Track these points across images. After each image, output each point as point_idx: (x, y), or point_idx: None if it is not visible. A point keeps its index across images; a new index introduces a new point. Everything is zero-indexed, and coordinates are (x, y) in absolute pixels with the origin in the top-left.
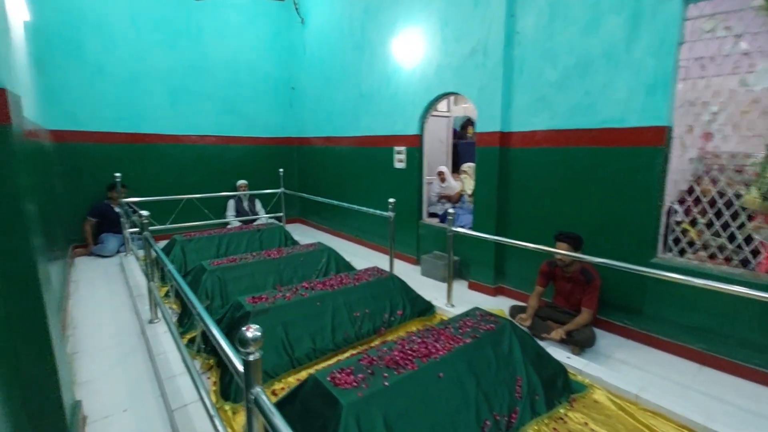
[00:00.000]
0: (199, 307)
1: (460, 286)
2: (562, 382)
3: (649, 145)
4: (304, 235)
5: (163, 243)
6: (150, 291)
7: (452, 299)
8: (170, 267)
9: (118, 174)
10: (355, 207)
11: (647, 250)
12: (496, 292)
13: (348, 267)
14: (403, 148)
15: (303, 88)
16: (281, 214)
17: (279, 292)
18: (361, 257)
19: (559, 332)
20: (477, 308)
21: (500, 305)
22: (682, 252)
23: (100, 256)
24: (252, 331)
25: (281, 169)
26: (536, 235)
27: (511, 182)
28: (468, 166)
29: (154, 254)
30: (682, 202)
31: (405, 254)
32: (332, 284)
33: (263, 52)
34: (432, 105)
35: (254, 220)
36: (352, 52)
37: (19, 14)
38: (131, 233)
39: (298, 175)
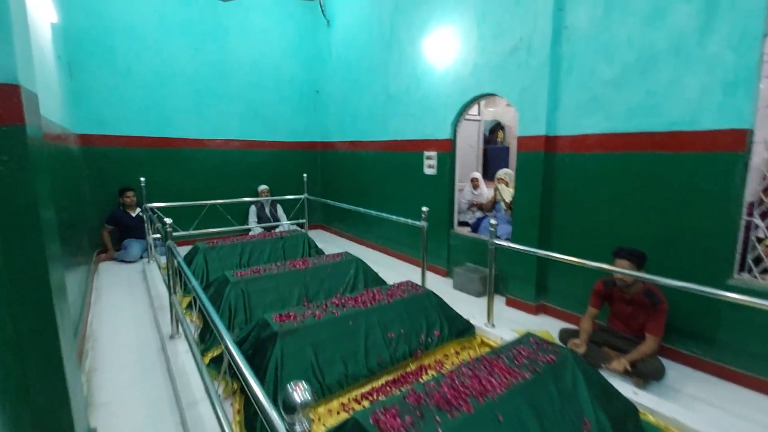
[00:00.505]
0: (228, 339)
1: (497, 303)
2: (634, 424)
3: (726, 150)
4: (327, 242)
5: (185, 249)
6: (171, 305)
7: (492, 318)
8: (195, 285)
9: (142, 179)
10: (384, 215)
11: (722, 270)
12: (537, 310)
13: (377, 280)
14: (433, 153)
15: (327, 91)
16: (304, 220)
17: (308, 309)
18: (388, 268)
19: (622, 362)
20: (530, 334)
21: (543, 325)
22: (766, 272)
23: (123, 262)
24: (300, 393)
25: (305, 175)
26: (584, 250)
27: (556, 190)
28: (504, 173)
29: (176, 264)
30: (765, 216)
31: (434, 265)
32: (364, 301)
33: (288, 55)
34: (466, 107)
35: (276, 226)
36: (380, 53)
37: (44, 15)
38: (154, 239)
39: (321, 181)
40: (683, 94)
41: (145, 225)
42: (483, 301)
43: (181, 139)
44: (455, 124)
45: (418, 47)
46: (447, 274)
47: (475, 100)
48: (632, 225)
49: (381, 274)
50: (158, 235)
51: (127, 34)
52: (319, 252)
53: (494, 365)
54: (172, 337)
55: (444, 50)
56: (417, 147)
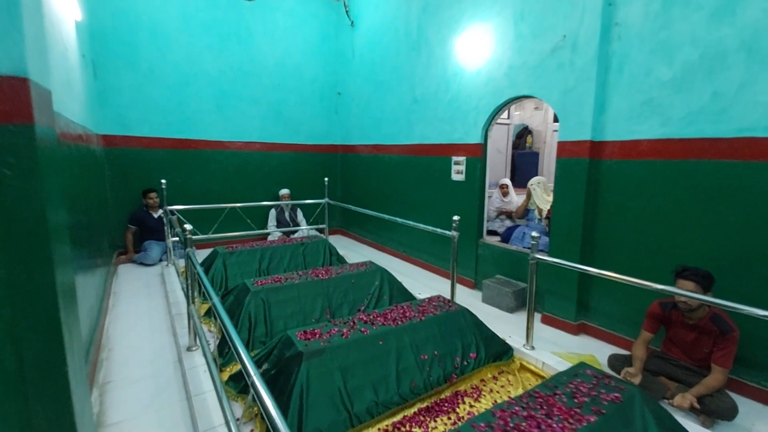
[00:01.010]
0: (249, 363)
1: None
2: None
3: None
4: (347, 248)
5: (203, 252)
6: (189, 315)
7: (531, 339)
8: (215, 300)
9: (163, 180)
10: (412, 223)
11: None
12: (578, 330)
13: (403, 292)
14: (462, 159)
15: (350, 94)
16: (324, 225)
17: (334, 326)
18: (412, 278)
19: (687, 398)
20: (584, 365)
21: (586, 347)
22: None
23: (143, 264)
24: None
25: (326, 179)
26: (631, 267)
27: (601, 200)
28: (538, 181)
29: (195, 273)
30: None
31: (461, 276)
32: (395, 318)
33: (311, 56)
34: (499, 111)
35: (295, 231)
36: (407, 54)
37: (69, 12)
38: (173, 242)
39: (342, 185)
40: (757, 97)
41: (165, 228)
42: (516, 318)
43: (202, 140)
44: (487, 129)
45: (447, 48)
46: (475, 286)
47: (509, 102)
48: (691, 242)
49: (406, 285)
50: (177, 239)
51: (151, 34)
52: (341, 259)
53: (552, 404)
54: (189, 348)
55: (476, 51)
56: (444, 152)
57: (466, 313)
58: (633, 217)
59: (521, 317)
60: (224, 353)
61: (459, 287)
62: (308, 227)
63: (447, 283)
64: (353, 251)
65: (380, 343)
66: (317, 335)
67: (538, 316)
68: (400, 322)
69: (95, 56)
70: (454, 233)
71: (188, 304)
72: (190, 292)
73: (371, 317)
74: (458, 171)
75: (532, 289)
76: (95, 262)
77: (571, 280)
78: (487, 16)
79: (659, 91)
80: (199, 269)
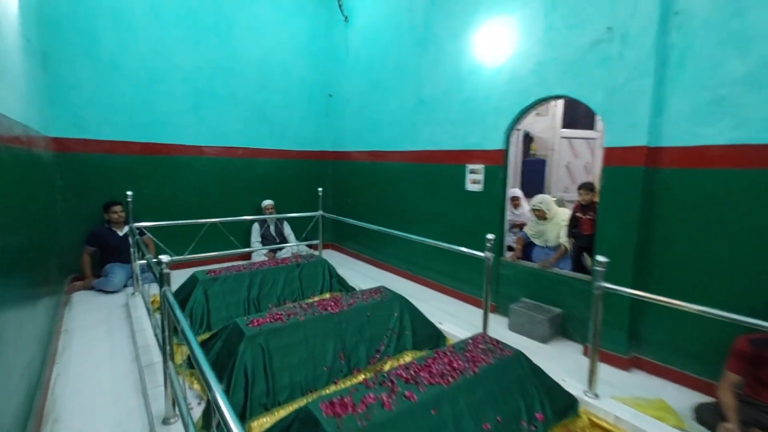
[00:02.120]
0: None
1: (567, 349)
2: None
3: None
4: (342, 266)
5: (178, 275)
6: (166, 377)
7: (595, 385)
8: (201, 360)
9: (129, 192)
10: (429, 241)
11: None
12: (629, 364)
13: (426, 325)
14: (479, 167)
15: (343, 95)
16: (317, 241)
17: (369, 389)
18: (423, 301)
19: None
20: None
21: (644, 386)
22: None
23: (103, 292)
24: None
25: (320, 189)
26: (697, 292)
27: (659, 215)
28: (540, 202)
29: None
30: None
31: (474, 296)
32: (442, 371)
33: (298, 54)
34: (525, 113)
35: (282, 247)
36: (412, 50)
37: None
38: (141, 266)
39: (333, 195)
40: None
41: (131, 249)
42: (553, 350)
43: (175, 145)
44: (509, 133)
45: (461, 43)
46: (496, 309)
47: (538, 103)
48: None
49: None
50: (144, 261)
51: (113, 22)
52: (342, 282)
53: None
54: (166, 421)
55: (497, 46)
56: (457, 159)
57: (522, 359)
58: (699, 235)
59: (558, 349)
60: (213, 425)
61: (475, 310)
62: (298, 243)
63: (464, 306)
64: (350, 269)
65: (432, 412)
66: (348, 407)
67: (575, 347)
68: (450, 378)
69: (46, 45)
70: (488, 254)
71: (165, 362)
72: (166, 346)
73: (412, 372)
74: (474, 180)
75: (597, 325)
76: (37, 292)
77: (621, 307)
78: (510, 7)
79: (731, 89)
80: (180, 315)
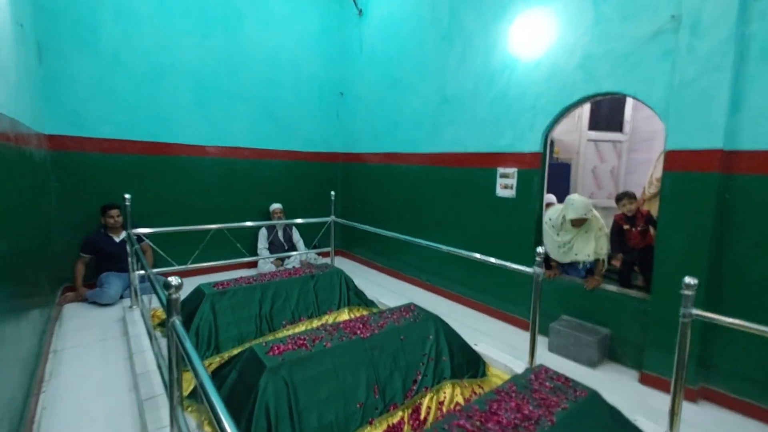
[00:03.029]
0: None
1: (619, 375)
2: None
3: None
4: (354, 274)
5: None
6: (173, 420)
7: (678, 428)
8: (221, 412)
9: (127, 195)
10: (462, 252)
11: None
12: (697, 395)
13: (464, 349)
14: (512, 170)
15: (356, 94)
16: (329, 248)
17: None
18: (447, 316)
19: None
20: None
21: (720, 423)
22: None
23: (96, 305)
24: None
25: (333, 192)
26: None
27: (734, 227)
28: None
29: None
30: None
31: (509, 313)
32: (516, 423)
33: (310, 50)
34: (566, 112)
35: (289, 255)
36: (435, 45)
37: None
38: (139, 276)
39: (342, 199)
40: None
41: (129, 258)
42: (604, 377)
43: (178, 144)
44: (547, 134)
45: (492, 36)
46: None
47: (584, 101)
48: None
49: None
50: (143, 272)
51: (116, 13)
52: (360, 295)
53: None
54: None
55: (536, 38)
56: (486, 162)
57: (599, 400)
58: None
59: (609, 375)
60: None
61: (506, 326)
62: (308, 251)
63: (496, 323)
64: (363, 279)
65: None
66: None
67: (628, 372)
68: (524, 431)
69: (42, 35)
70: (536, 270)
71: (171, 403)
72: (174, 386)
73: (477, 422)
74: (506, 185)
75: (684, 359)
76: (24, 307)
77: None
78: None
79: None
80: (192, 352)
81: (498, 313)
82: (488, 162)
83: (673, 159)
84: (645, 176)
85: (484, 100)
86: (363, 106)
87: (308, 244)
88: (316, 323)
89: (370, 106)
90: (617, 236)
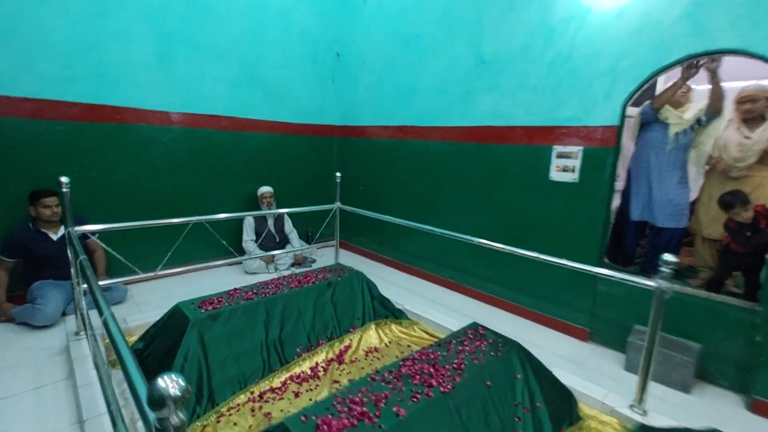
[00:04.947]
0: None
1: (720, 400)
2: None
3: None
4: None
5: (144, 292)
6: None
7: None
8: None
9: (64, 179)
10: (530, 254)
11: None
12: None
13: (554, 386)
14: (575, 149)
15: (357, 54)
16: (333, 242)
17: None
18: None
19: None
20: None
21: None
22: None
23: (27, 326)
24: None
25: (338, 174)
26: None
27: None
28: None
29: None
30: None
31: (561, 320)
32: None
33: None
34: (656, 76)
35: (281, 246)
36: None
37: None
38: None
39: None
40: None
41: (73, 267)
42: (703, 404)
43: (132, 109)
44: (627, 103)
45: None
46: (589, 337)
47: (686, 61)
48: None
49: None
50: (85, 286)
51: None
52: (385, 303)
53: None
54: None
55: None
56: (538, 138)
57: None
58: None
59: (708, 401)
60: None
61: (565, 339)
62: (309, 246)
63: (544, 332)
64: (372, 275)
65: None
66: None
67: (729, 396)
68: None
69: None
70: (662, 284)
71: None
72: None
73: None
74: (564, 167)
75: None
76: None
77: None
78: None
79: None
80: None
81: (544, 318)
82: (540, 138)
83: None
84: None
85: (538, 62)
86: (366, 70)
87: (301, 236)
88: (338, 346)
89: (376, 69)
90: (732, 259)
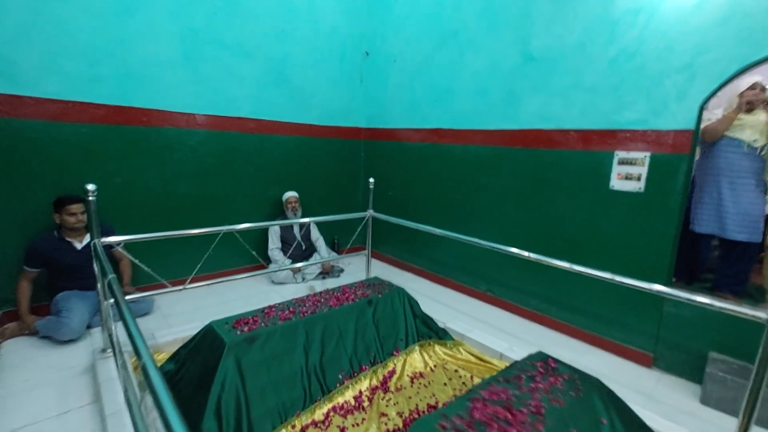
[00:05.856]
0: None
1: None
2: None
3: None
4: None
5: (171, 303)
6: None
7: None
8: None
9: (91, 186)
10: (595, 273)
11: None
12: None
13: (636, 426)
14: (641, 155)
15: (387, 52)
16: (365, 251)
17: None
18: (535, 345)
19: None
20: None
21: None
22: None
23: (50, 340)
24: None
25: (371, 179)
26: None
27: None
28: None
29: None
30: None
31: (619, 342)
32: None
33: None
34: (741, 73)
35: (308, 253)
36: None
37: None
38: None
39: (364, 185)
40: None
41: (99, 283)
42: None
43: (160, 111)
44: (705, 104)
45: None
46: (651, 362)
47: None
48: None
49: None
50: (112, 300)
51: None
52: (428, 322)
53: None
54: None
55: None
56: (595, 143)
57: None
58: None
59: None
60: None
61: (622, 363)
62: (339, 257)
63: (602, 357)
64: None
65: None
66: None
67: None
68: None
69: None
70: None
71: None
72: None
73: None
74: (628, 175)
75: None
76: None
77: None
78: None
79: None
80: None
81: (598, 340)
82: (599, 143)
83: None
84: None
85: (598, 59)
86: (397, 70)
87: (327, 243)
88: (381, 372)
89: (408, 69)
90: None
